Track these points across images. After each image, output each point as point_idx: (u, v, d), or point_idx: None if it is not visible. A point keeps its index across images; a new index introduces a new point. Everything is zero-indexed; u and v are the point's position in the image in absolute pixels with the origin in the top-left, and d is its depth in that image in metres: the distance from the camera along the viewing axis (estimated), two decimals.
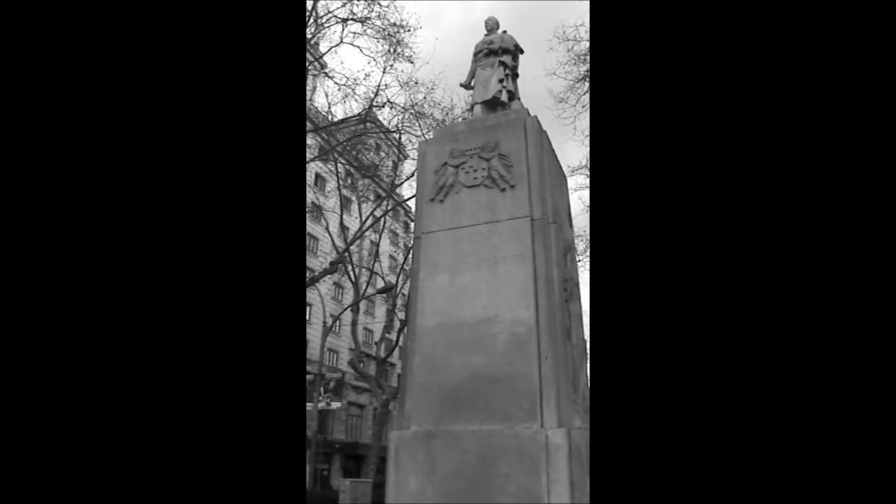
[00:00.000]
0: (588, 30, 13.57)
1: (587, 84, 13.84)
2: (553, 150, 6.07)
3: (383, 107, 14.17)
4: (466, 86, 6.97)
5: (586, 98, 14.06)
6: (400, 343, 20.52)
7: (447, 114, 15.26)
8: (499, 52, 6.59)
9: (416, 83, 14.63)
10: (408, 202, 20.30)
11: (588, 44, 13.57)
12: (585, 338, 5.93)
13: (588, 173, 16.75)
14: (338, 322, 26.40)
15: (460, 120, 15.20)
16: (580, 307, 5.79)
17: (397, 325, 21.45)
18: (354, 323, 18.82)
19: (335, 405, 19.17)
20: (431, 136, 6.94)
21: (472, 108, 6.63)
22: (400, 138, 16.01)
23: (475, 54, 6.81)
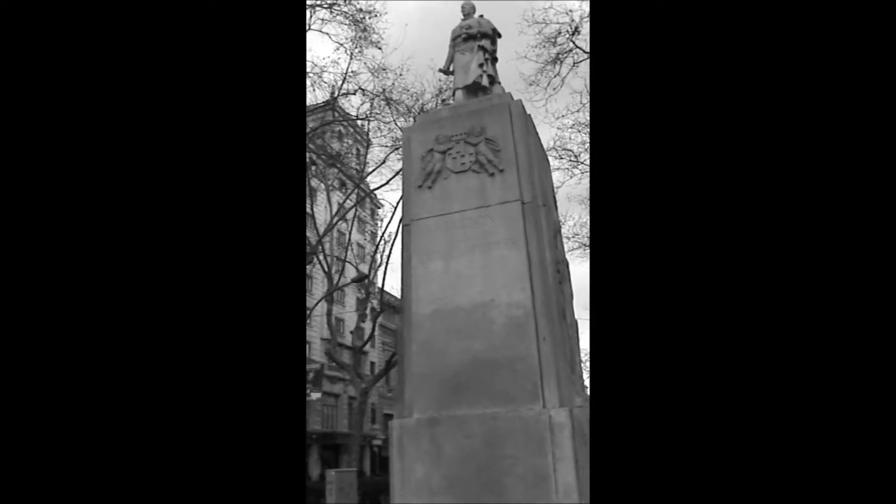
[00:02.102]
0: (557, 12, 13.62)
1: (557, 66, 13.94)
2: (537, 133, 6.10)
3: (354, 94, 14.02)
4: (445, 71, 6.94)
5: (557, 81, 14.16)
6: (375, 332, 20.49)
7: (417, 99, 15.20)
8: (477, 37, 6.56)
9: (385, 70, 14.49)
10: (376, 191, 20.12)
11: (557, 26, 13.64)
12: (577, 318, 6.02)
13: (556, 155, 16.91)
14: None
15: (434, 105, 15.15)
16: (571, 288, 5.88)
17: (371, 313, 21.39)
18: (329, 313, 18.70)
19: (315, 396, 19.11)
20: (415, 123, 6.90)
21: (453, 94, 6.61)
22: (369, 125, 15.87)
23: (453, 39, 6.77)
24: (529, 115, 5.87)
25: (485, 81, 6.37)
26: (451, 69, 6.80)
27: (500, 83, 6.54)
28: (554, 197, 6.51)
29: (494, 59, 6.67)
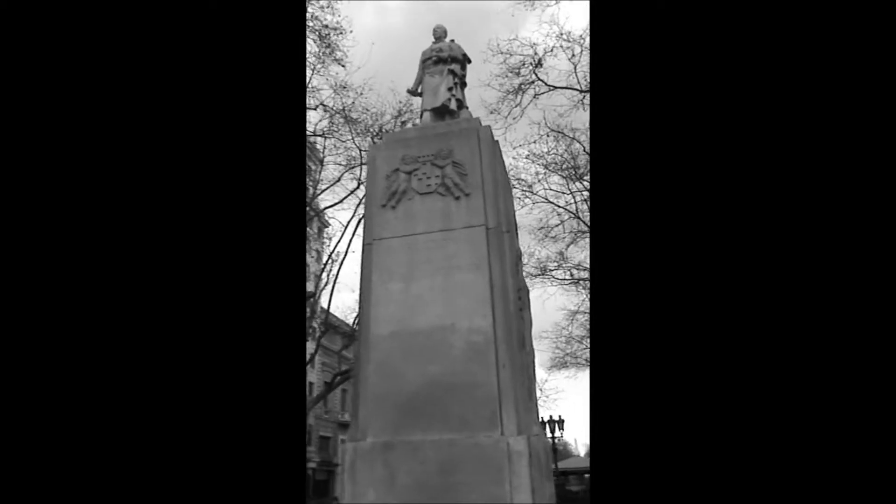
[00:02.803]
0: (521, 45, 13.93)
1: (519, 97, 14.19)
2: (503, 161, 6.14)
3: (315, 109, 13.84)
4: (413, 92, 6.94)
5: (517, 111, 14.41)
6: (317, 353, 20.01)
7: (376, 119, 15.14)
8: (448, 61, 6.61)
9: (344, 87, 14.39)
10: (328, 209, 19.85)
11: (521, 58, 13.92)
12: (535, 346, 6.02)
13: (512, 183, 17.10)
14: None
15: (393, 127, 15.14)
16: (531, 315, 5.88)
17: (312, 333, 20.91)
18: None
19: None
20: (381, 141, 6.84)
21: (420, 115, 6.61)
22: (325, 142, 15.71)
23: (423, 61, 6.80)
24: (497, 141, 5.91)
25: (453, 105, 6.41)
26: (419, 90, 6.81)
27: (467, 108, 6.59)
28: (515, 224, 6.54)
29: (463, 84, 6.72)
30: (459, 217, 5.34)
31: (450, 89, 6.47)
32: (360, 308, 5.42)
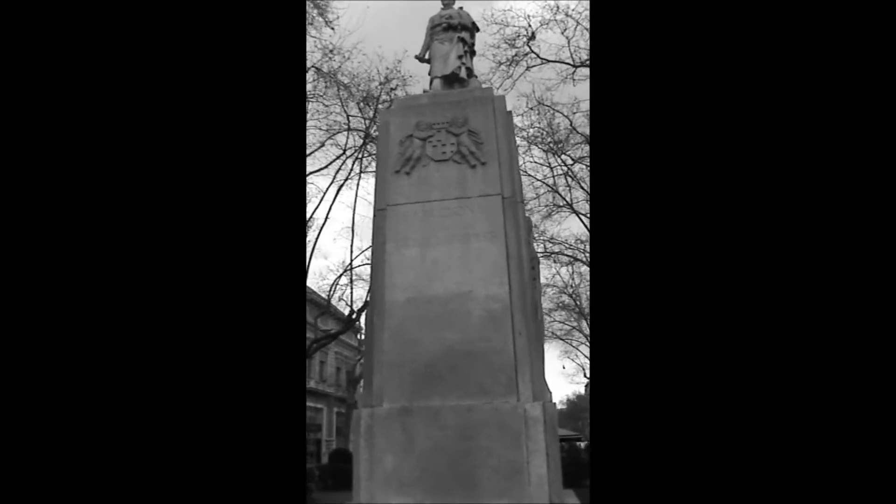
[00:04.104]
0: (515, 16, 13.83)
1: (513, 68, 14.13)
2: (514, 132, 6.15)
3: (308, 71, 13.53)
4: (421, 58, 6.85)
5: (508, 83, 14.38)
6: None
7: (367, 84, 14.90)
8: (458, 28, 6.53)
9: (332, 51, 14.08)
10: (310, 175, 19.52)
11: (517, 28, 13.82)
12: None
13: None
14: None
15: (380, 94, 14.93)
16: (540, 285, 5.97)
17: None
18: None
19: None
20: (392, 106, 6.76)
21: (430, 82, 6.54)
22: (307, 106, 15.36)
23: (431, 27, 6.70)
24: (510, 112, 5.91)
25: (463, 73, 6.35)
26: (426, 56, 6.72)
27: (476, 77, 6.55)
28: (522, 195, 6.58)
29: (472, 53, 6.67)
30: (475, 185, 5.35)
31: (460, 57, 6.41)
32: (372, 274, 5.42)
